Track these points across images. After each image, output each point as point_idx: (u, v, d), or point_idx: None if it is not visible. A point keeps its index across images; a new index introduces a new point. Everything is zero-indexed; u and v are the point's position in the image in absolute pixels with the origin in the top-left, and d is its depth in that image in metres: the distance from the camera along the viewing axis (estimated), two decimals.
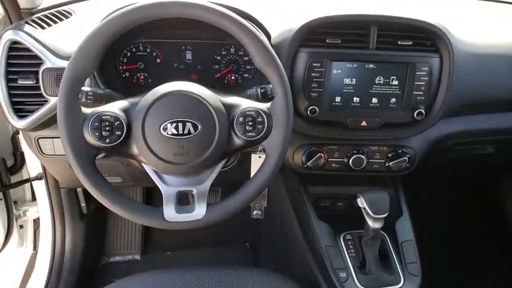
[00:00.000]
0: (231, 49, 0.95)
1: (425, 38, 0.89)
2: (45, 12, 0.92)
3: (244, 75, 0.98)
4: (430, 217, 1.34)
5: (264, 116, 0.70)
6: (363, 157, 0.96)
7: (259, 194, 0.73)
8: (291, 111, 0.71)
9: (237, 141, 0.71)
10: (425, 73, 0.89)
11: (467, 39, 0.98)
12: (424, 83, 0.89)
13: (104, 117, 0.66)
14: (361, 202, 0.91)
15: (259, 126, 0.70)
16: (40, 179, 1.24)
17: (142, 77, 0.95)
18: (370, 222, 0.90)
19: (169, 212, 0.69)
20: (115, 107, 0.68)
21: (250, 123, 0.70)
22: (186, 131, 0.67)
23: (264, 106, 0.72)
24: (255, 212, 1.03)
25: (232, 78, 0.98)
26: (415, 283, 0.92)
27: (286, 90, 0.70)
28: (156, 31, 0.91)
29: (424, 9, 1.13)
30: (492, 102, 1.02)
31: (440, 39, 0.88)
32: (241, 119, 0.70)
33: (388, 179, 1.07)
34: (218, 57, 0.96)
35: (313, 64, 0.87)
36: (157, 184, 0.73)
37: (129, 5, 0.68)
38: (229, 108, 0.71)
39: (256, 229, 1.45)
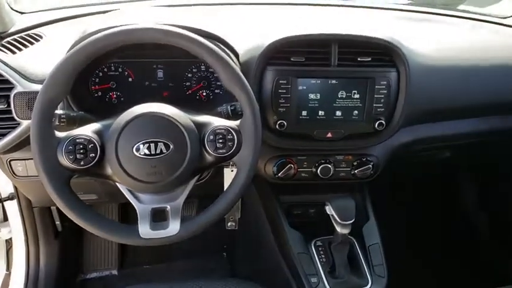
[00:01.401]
0: (202, 66, 0.99)
1: (383, 53, 0.95)
2: (15, 36, 0.94)
3: (216, 91, 1.02)
4: (396, 220, 1.41)
5: (234, 133, 0.74)
6: (330, 166, 1.01)
7: (232, 206, 0.77)
8: (259, 128, 0.75)
9: (209, 158, 0.74)
10: (384, 87, 0.95)
11: (424, 52, 1.05)
12: (383, 96, 0.95)
13: (77, 140, 0.68)
14: (329, 209, 0.96)
15: (229, 143, 0.74)
16: (12, 199, 1.23)
17: (115, 95, 0.97)
18: (338, 228, 0.95)
19: (144, 229, 0.72)
20: (88, 130, 0.71)
21: (220, 140, 0.74)
22: (158, 151, 0.70)
23: (234, 124, 0.75)
24: (229, 224, 1.06)
25: (204, 94, 1.01)
26: (381, 284, 0.98)
27: (253, 108, 0.74)
28: (127, 51, 0.93)
29: (386, 24, 1.20)
30: (447, 110, 1.09)
31: (397, 54, 0.94)
32: (211, 136, 0.74)
33: (355, 186, 1.12)
34: (189, 75, 0.99)
35: (280, 81, 0.91)
36: (131, 202, 0.75)
37: (99, 30, 0.71)
38: (200, 126, 0.75)
39: (233, 238, 1.48)
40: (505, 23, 1.31)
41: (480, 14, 1.42)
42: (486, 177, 1.55)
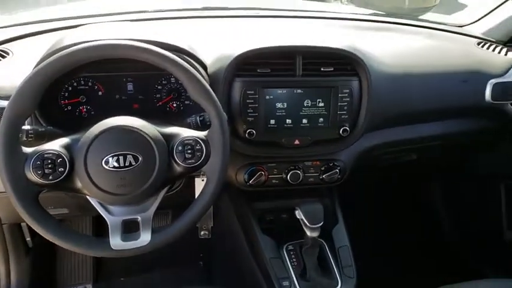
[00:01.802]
0: (172, 79, 1.01)
1: (345, 63, 0.99)
2: None
3: (186, 102, 1.03)
4: (365, 221, 1.46)
5: (202, 144, 0.76)
6: (299, 172, 1.05)
7: (202, 215, 0.79)
8: (227, 138, 0.78)
9: (178, 168, 0.76)
10: (346, 95, 0.99)
11: (384, 60, 1.10)
12: (346, 104, 1.00)
13: (45, 155, 0.69)
14: (298, 214, 1.00)
15: (198, 154, 0.76)
16: None
17: (85, 109, 0.98)
18: (308, 232, 0.99)
19: (115, 241, 0.73)
20: (56, 145, 0.71)
21: (189, 151, 0.76)
22: (127, 163, 0.71)
23: (202, 134, 0.78)
24: (202, 233, 1.08)
25: (174, 105, 1.03)
26: (351, 284, 1.02)
27: (221, 118, 0.77)
28: (96, 65, 0.94)
29: (348, 34, 1.25)
30: (407, 115, 1.14)
31: (358, 64, 0.99)
32: (180, 147, 0.75)
33: (324, 190, 1.16)
34: (159, 87, 1.01)
35: (247, 92, 0.95)
36: (102, 215, 0.76)
37: (67, 46, 0.72)
38: (168, 138, 0.76)
39: (209, 247, 1.49)
40: (461, 31, 1.39)
41: (438, 23, 1.49)
42: (450, 177, 1.63)
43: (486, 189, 1.45)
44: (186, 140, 0.76)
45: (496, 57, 1.22)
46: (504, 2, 1.27)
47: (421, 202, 1.73)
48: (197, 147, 0.76)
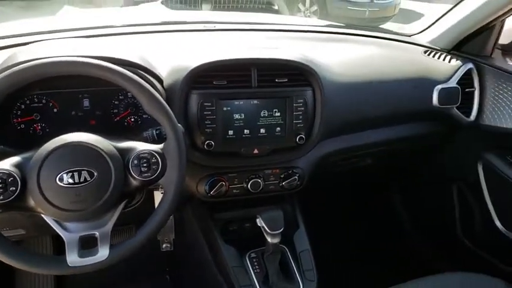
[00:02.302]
0: (129, 93, 1.01)
1: (299, 74, 1.03)
2: None
3: (144, 116, 1.04)
4: (326, 225, 1.50)
5: (158, 157, 0.77)
6: (260, 180, 1.07)
7: (161, 228, 0.79)
8: (183, 150, 0.79)
9: (134, 182, 0.77)
10: (301, 104, 1.03)
11: (336, 70, 1.15)
12: (301, 113, 1.03)
13: None
14: (259, 222, 1.02)
15: (154, 167, 0.77)
16: None
17: (39, 127, 0.96)
18: (269, 239, 1.01)
19: (72, 258, 0.73)
20: (7, 164, 0.71)
21: (145, 164, 0.76)
22: (82, 179, 0.71)
23: (157, 147, 0.79)
24: (164, 245, 1.08)
25: (132, 120, 1.03)
26: (312, 287, 1.04)
27: (176, 131, 0.78)
28: (50, 82, 0.93)
29: (303, 46, 1.29)
30: (361, 122, 1.20)
31: (311, 74, 1.03)
32: (136, 161, 0.76)
33: (285, 197, 1.19)
34: (116, 102, 1.01)
35: (204, 104, 0.96)
36: (58, 232, 0.75)
37: (19, 63, 0.72)
38: (123, 152, 0.77)
39: (175, 260, 1.49)
40: (410, 40, 1.46)
41: (389, 33, 1.57)
42: (407, 181, 1.70)
43: (440, 191, 1.52)
44: (142, 153, 0.77)
45: (441, 65, 1.30)
46: (447, 12, 1.35)
47: (379, 205, 1.79)
48: (153, 160, 0.77)
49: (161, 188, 0.91)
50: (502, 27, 1.27)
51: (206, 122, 0.97)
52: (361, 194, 1.73)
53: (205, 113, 0.97)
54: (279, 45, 1.17)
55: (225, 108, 0.98)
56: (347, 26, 1.58)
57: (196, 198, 1.09)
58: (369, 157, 1.36)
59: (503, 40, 1.31)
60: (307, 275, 1.06)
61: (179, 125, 0.82)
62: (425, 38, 1.43)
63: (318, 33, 1.43)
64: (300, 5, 6.15)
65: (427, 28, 1.45)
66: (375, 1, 6.19)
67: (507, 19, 1.25)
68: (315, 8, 6.13)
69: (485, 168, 1.32)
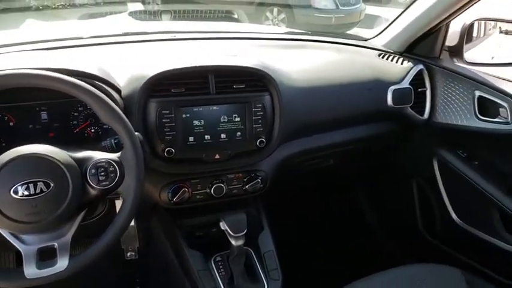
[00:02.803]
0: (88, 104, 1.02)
1: (256, 80, 1.07)
2: None
3: (104, 126, 1.04)
4: (291, 226, 1.53)
5: (115, 165, 0.79)
6: (223, 185, 1.09)
7: (120, 235, 0.80)
8: (140, 157, 0.80)
9: (93, 191, 0.78)
10: (260, 109, 1.06)
11: (294, 75, 1.19)
12: (260, 117, 1.06)
13: None
14: (222, 225, 1.04)
15: (111, 175, 0.78)
16: None
17: None
18: (232, 241, 1.03)
19: (30, 270, 0.73)
20: None
21: (102, 173, 0.77)
22: (38, 191, 0.72)
23: (115, 156, 0.80)
24: (129, 254, 1.08)
25: (92, 131, 1.03)
26: (276, 286, 1.07)
27: (132, 139, 0.80)
28: (5, 96, 0.93)
29: (261, 53, 1.33)
30: (321, 124, 1.24)
31: (267, 80, 1.07)
32: (93, 170, 0.77)
33: (249, 200, 1.21)
34: (75, 113, 1.01)
35: (163, 111, 0.98)
36: (15, 245, 0.75)
37: None
38: (80, 162, 0.78)
39: (143, 268, 1.48)
40: (365, 44, 1.53)
41: (348, 38, 1.64)
42: (370, 179, 1.76)
43: (401, 188, 1.58)
44: (99, 162, 0.78)
45: (394, 67, 1.36)
46: (398, 16, 1.42)
47: (344, 204, 1.84)
48: (110, 168, 0.78)
49: (121, 197, 0.92)
50: (447, 30, 1.34)
51: (165, 130, 0.99)
52: (326, 194, 1.78)
53: (164, 120, 0.98)
54: (238, 53, 1.20)
55: (184, 115, 1.00)
56: (306, 33, 1.64)
57: (160, 206, 1.10)
58: (331, 158, 1.40)
59: (449, 42, 1.39)
60: (271, 275, 1.08)
61: (137, 133, 0.83)
62: (380, 42, 1.50)
63: (277, 40, 1.47)
64: (268, 14, 6.24)
65: (381, 32, 1.52)
66: (341, 8, 6.36)
67: (452, 22, 1.33)
68: (282, 16, 6.25)
69: (440, 163, 1.38)
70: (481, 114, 1.23)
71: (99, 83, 0.90)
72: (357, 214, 1.80)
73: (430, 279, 1.05)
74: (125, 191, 0.79)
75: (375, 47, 1.48)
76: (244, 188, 1.12)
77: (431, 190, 1.44)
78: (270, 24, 5.95)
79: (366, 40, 1.58)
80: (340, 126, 1.29)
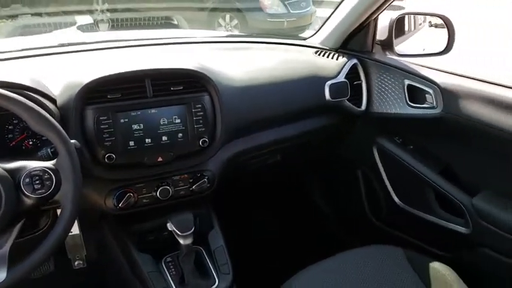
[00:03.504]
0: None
1: (194, 81, 1.09)
2: None
3: (43, 138, 1.03)
4: (243, 221, 1.57)
5: (51, 173, 0.78)
6: (169, 187, 1.10)
7: (60, 244, 0.80)
8: (77, 163, 0.81)
9: (28, 201, 0.77)
10: (199, 109, 1.08)
11: (235, 76, 1.22)
12: (201, 118, 1.09)
13: None
14: (170, 226, 1.05)
15: (47, 183, 0.78)
16: None
17: None
18: (181, 241, 1.04)
19: None
20: None
21: (37, 181, 0.77)
22: None
23: (49, 163, 0.80)
24: (76, 263, 1.07)
25: (30, 143, 1.02)
26: (227, 280, 1.10)
27: (66, 145, 0.80)
28: None
29: (201, 55, 1.36)
30: (264, 121, 1.28)
31: (205, 80, 1.09)
32: (27, 179, 0.77)
33: (199, 200, 1.23)
34: (10, 127, 1.00)
35: (101, 118, 0.98)
36: None
37: None
38: (13, 172, 0.77)
39: (97, 278, 1.45)
40: (304, 43, 1.59)
41: (287, 38, 1.70)
42: (318, 170, 1.82)
43: (348, 177, 1.65)
44: (33, 171, 0.78)
45: (330, 63, 1.43)
46: (331, 14, 1.49)
47: (296, 196, 1.90)
48: (46, 176, 0.78)
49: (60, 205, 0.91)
50: (376, 24, 1.42)
51: (104, 136, 0.99)
52: (277, 188, 1.82)
53: (102, 126, 0.99)
54: (176, 57, 1.22)
55: (122, 120, 1.01)
56: (245, 35, 1.68)
57: (107, 213, 1.09)
58: (278, 153, 1.45)
59: (381, 36, 1.47)
60: (222, 269, 1.11)
61: (73, 140, 0.84)
62: (317, 40, 1.56)
63: (217, 43, 1.51)
64: (221, 20, 6.29)
65: (317, 31, 1.59)
66: (292, 11, 6.52)
67: (382, 18, 1.42)
68: (235, 22, 6.31)
69: (379, 151, 1.46)
70: (411, 102, 1.31)
71: (30, 93, 0.90)
72: (309, 205, 1.86)
73: (373, 260, 1.11)
74: (63, 198, 0.79)
75: (312, 45, 1.54)
76: (191, 189, 1.14)
77: (375, 177, 1.52)
78: (223, 31, 6.00)
79: (304, 39, 1.65)
80: (283, 122, 1.34)
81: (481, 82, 1.17)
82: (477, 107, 1.14)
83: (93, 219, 1.17)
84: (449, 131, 1.25)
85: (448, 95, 1.21)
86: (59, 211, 0.98)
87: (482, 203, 1.17)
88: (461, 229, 1.24)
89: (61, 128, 0.81)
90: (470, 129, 1.17)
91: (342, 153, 1.63)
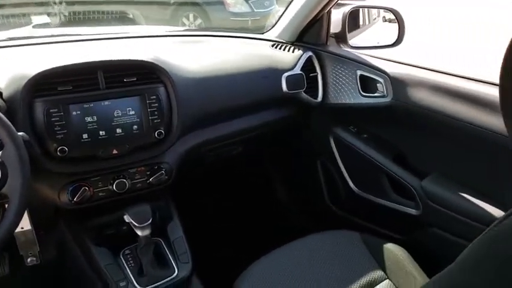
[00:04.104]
0: None
1: (148, 72, 1.09)
2: None
3: None
4: (203, 213, 1.57)
5: None
6: (125, 180, 1.09)
7: (7, 239, 0.78)
8: (24, 156, 0.79)
9: None
10: (154, 101, 1.08)
11: (191, 68, 1.22)
12: (156, 109, 1.08)
13: None
14: (127, 218, 1.05)
15: None
16: None
17: None
18: (139, 232, 1.04)
19: None
20: None
21: None
22: None
23: None
24: (29, 260, 1.04)
25: None
26: (186, 269, 1.10)
27: (12, 137, 0.78)
28: None
29: (157, 49, 1.35)
30: (222, 113, 1.29)
31: (159, 71, 1.09)
32: None
33: (157, 193, 1.22)
34: None
35: (51, 110, 0.96)
36: None
37: None
38: None
39: (55, 274, 1.41)
40: (262, 37, 1.62)
41: (245, 32, 1.72)
42: (279, 161, 1.86)
43: (308, 167, 1.69)
44: None
45: (286, 55, 1.46)
46: (286, 8, 1.52)
47: (258, 186, 1.93)
48: None
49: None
50: (329, 18, 1.47)
51: (56, 129, 0.97)
52: (238, 179, 1.84)
53: (53, 119, 0.97)
54: (130, 49, 1.21)
55: (74, 113, 0.99)
56: (202, 29, 1.69)
57: (63, 208, 1.07)
58: (238, 145, 1.46)
59: (334, 29, 1.52)
60: (181, 259, 1.11)
61: (21, 132, 0.82)
62: (273, 34, 1.59)
63: (174, 37, 1.50)
64: (184, 19, 6.24)
65: (274, 25, 1.61)
66: (256, 10, 6.56)
67: (336, 13, 1.46)
68: (199, 21, 6.28)
69: (336, 140, 1.51)
70: (363, 91, 1.36)
71: None
72: (270, 196, 1.89)
73: (330, 244, 1.15)
74: (10, 191, 0.77)
75: (269, 39, 1.57)
76: (148, 182, 1.13)
77: (332, 166, 1.56)
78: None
79: (262, 33, 1.67)
80: (241, 114, 1.35)
81: (427, 71, 1.23)
82: (424, 94, 1.20)
83: (49, 215, 1.15)
84: (399, 118, 1.31)
85: (397, 84, 1.26)
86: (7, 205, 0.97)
87: (430, 185, 1.24)
88: (412, 211, 1.31)
89: (6, 120, 0.79)
90: (418, 116, 1.22)
91: (301, 144, 1.67)
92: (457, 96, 1.12)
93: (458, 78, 1.15)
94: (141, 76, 1.07)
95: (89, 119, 1.01)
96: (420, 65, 1.26)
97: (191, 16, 6.32)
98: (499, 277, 0.41)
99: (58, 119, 0.97)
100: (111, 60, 1.04)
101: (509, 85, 0.48)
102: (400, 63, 1.31)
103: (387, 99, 1.29)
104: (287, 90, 1.39)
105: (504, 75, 0.47)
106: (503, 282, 0.41)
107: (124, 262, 1.08)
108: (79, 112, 1.00)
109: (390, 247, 1.15)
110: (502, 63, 0.47)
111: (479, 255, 0.46)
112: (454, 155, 1.22)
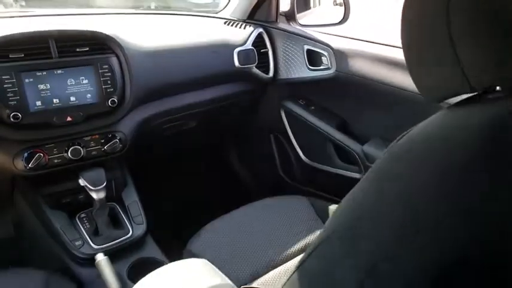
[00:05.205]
0: None
1: (100, 43, 1.12)
2: None
3: None
4: (159, 181, 1.63)
5: None
6: (80, 148, 1.12)
7: None
8: None
9: None
10: (107, 70, 1.12)
11: (143, 44, 1.26)
12: (109, 78, 1.12)
13: None
14: (82, 181, 1.09)
15: None
16: None
17: None
18: (94, 195, 1.08)
19: None
20: None
21: None
22: None
23: None
24: None
25: None
26: (141, 229, 1.16)
27: None
28: None
29: (112, 23, 1.38)
30: (174, 86, 1.34)
31: (111, 42, 1.13)
32: None
33: (114, 161, 1.26)
34: None
35: (3, 77, 0.98)
36: None
37: None
38: None
39: (15, 245, 1.42)
40: (215, 15, 1.68)
41: (204, 11, 1.78)
42: (235, 136, 1.93)
43: (263, 141, 1.78)
44: None
45: (238, 32, 1.53)
46: None
47: (214, 159, 2.00)
48: None
49: None
50: None
51: (8, 95, 0.99)
52: (195, 153, 1.90)
53: (5, 86, 0.99)
54: (84, 23, 1.24)
55: (27, 80, 1.02)
56: (160, 8, 1.72)
57: (19, 176, 1.09)
58: (192, 119, 1.52)
59: (284, 8, 1.60)
60: (135, 220, 1.17)
61: None
62: (227, 13, 1.66)
63: (129, 15, 1.54)
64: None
65: (227, 4, 1.68)
66: (217, 0, 6.57)
67: None
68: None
69: (287, 114, 1.60)
70: (310, 65, 1.45)
71: None
72: (227, 169, 1.97)
73: (278, 207, 1.23)
74: None
75: (223, 17, 1.63)
76: (103, 149, 1.16)
77: (285, 139, 1.65)
78: None
79: (216, 12, 1.73)
80: (195, 88, 1.41)
81: (367, 43, 1.34)
82: (364, 65, 1.30)
83: (5, 185, 1.16)
84: (342, 88, 1.41)
85: (340, 56, 1.36)
86: None
87: (370, 149, 1.35)
88: (355, 175, 1.41)
89: None
90: (359, 85, 1.33)
91: (255, 120, 1.75)
92: (393, 65, 1.22)
93: (396, 48, 1.25)
94: (94, 46, 1.11)
95: (42, 86, 1.04)
96: (361, 38, 1.36)
97: (153, 5, 6.26)
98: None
99: (10, 85, 1.00)
100: (63, 30, 1.07)
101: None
102: (343, 37, 1.40)
103: (331, 71, 1.39)
104: (239, 65, 1.46)
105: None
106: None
107: (80, 224, 1.13)
108: (32, 80, 1.03)
109: (334, 207, 1.24)
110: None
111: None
112: (390, 120, 1.33)
